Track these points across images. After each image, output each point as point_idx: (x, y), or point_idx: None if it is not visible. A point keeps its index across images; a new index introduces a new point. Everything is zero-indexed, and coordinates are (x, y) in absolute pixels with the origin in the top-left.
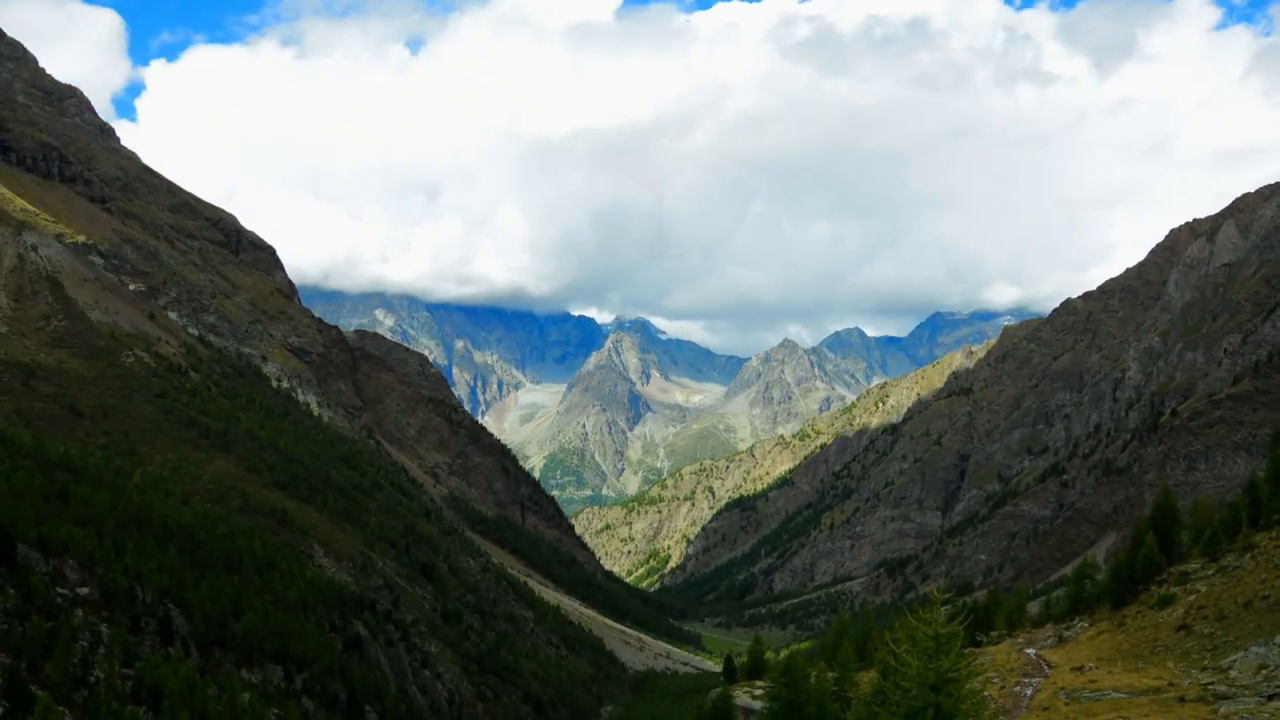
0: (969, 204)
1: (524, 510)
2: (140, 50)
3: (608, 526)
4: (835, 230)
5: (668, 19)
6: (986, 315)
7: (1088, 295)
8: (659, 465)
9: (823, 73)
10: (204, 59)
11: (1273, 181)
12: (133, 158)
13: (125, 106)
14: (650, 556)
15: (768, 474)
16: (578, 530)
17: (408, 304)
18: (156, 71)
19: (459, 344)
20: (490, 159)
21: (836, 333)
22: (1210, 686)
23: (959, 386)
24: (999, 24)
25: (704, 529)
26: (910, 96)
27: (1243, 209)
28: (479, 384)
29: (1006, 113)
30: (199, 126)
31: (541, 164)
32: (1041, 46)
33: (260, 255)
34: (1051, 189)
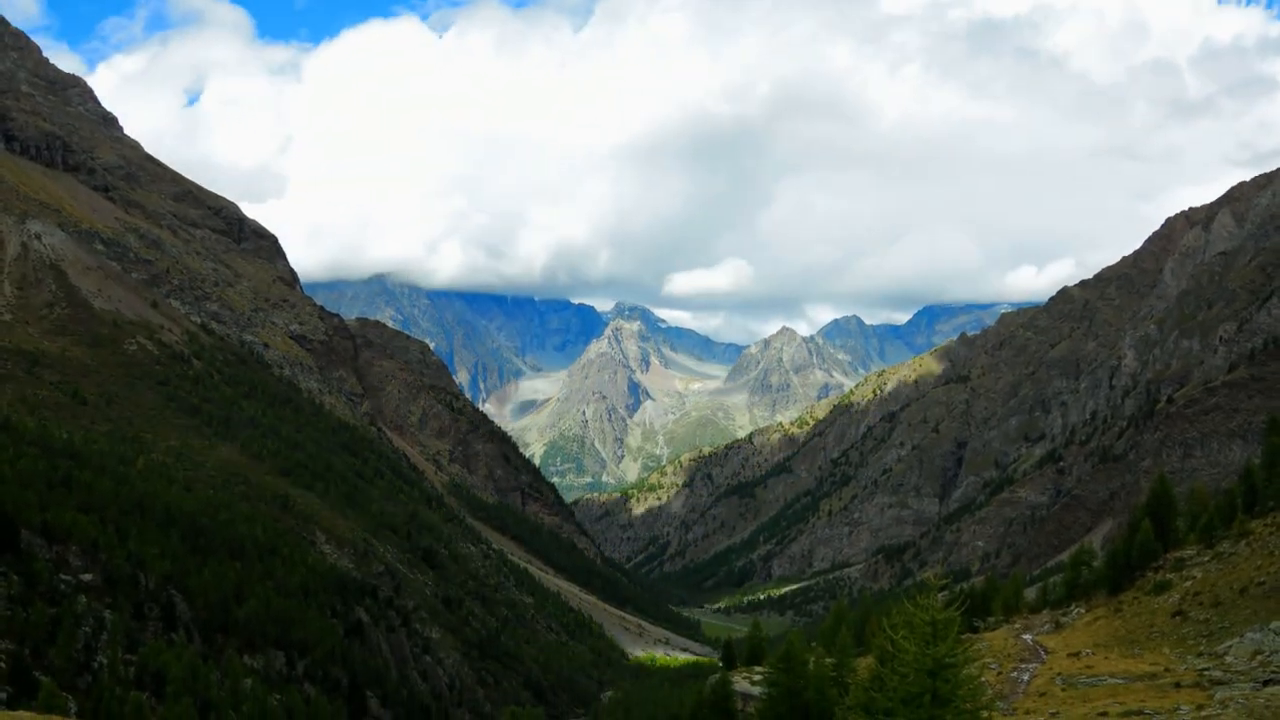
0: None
1: (524, 497)
2: (303, 28)
3: (607, 513)
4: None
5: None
6: (984, 304)
7: (1084, 284)
8: (658, 452)
9: (966, 88)
10: (362, 40)
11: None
12: (135, 146)
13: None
14: (649, 543)
15: (766, 461)
16: (577, 517)
17: (409, 292)
18: (313, 51)
19: (459, 332)
20: (601, 153)
21: (835, 320)
22: (1206, 672)
23: (956, 374)
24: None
25: (703, 515)
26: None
27: (1238, 198)
28: (480, 372)
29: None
30: (341, 112)
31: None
32: (1183, 76)
33: (262, 244)
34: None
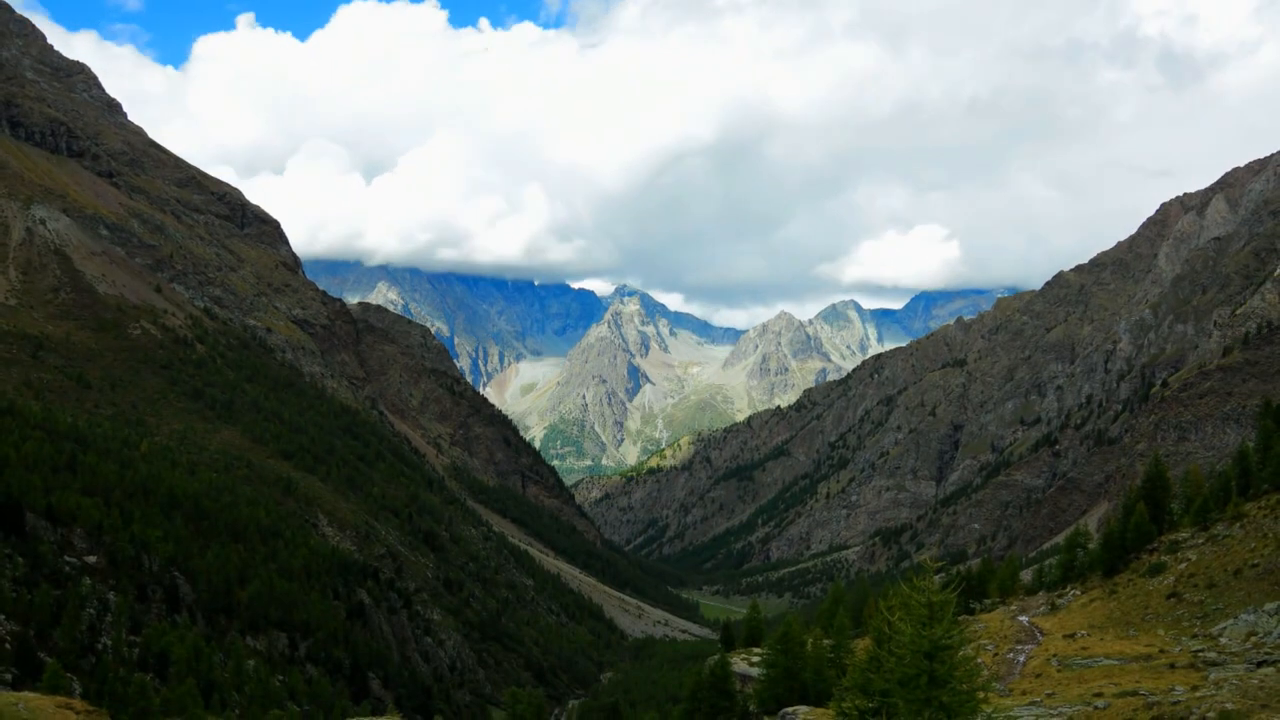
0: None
1: (525, 480)
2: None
3: (607, 496)
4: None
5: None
6: (981, 289)
7: (1079, 268)
8: (658, 435)
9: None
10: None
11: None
12: (139, 133)
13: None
14: (649, 525)
15: (765, 444)
16: (577, 500)
17: (410, 276)
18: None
19: (460, 316)
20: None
21: (833, 305)
22: (1200, 653)
23: (953, 358)
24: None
25: (702, 498)
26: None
27: (1232, 183)
28: (480, 355)
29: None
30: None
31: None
32: None
33: (265, 229)
34: None
